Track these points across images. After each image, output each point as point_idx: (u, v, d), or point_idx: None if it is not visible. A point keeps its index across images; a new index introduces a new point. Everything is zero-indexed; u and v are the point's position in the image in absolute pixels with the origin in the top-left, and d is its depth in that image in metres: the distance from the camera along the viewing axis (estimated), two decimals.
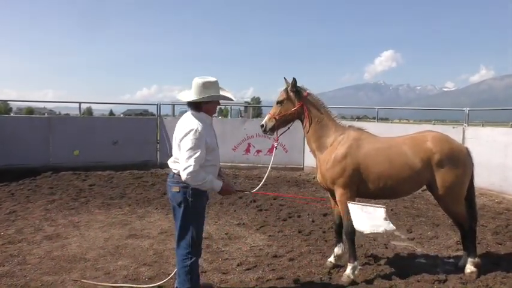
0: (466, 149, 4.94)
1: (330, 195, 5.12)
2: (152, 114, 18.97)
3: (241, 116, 22.64)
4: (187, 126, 3.64)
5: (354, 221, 4.47)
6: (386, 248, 5.66)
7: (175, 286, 3.94)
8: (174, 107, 17.56)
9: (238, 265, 4.94)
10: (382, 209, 4.30)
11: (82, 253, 5.20)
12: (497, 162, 8.80)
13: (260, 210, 7.63)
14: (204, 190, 3.75)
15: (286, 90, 4.89)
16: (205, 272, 4.70)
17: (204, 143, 3.63)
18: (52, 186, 9.30)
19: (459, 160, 4.66)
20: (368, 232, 4.41)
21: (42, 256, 5.13)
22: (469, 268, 4.68)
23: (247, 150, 12.42)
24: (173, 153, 3.82)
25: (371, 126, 11.82)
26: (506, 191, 8.57)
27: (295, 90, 4.85)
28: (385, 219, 4.27)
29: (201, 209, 3.87)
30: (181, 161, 3.56)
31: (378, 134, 5.18)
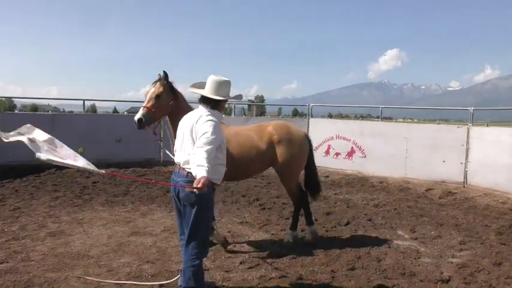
0: (304, 134, 5.88)
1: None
2: None
3: (244, 115, 22.65)
4: (206, 119, 3.63)
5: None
6: (390, 247, 5.65)
7: (178, 284, 3.93)
8: None
9: (240, 263, 4.94)
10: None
11: (85, 250, 5.21)
12: (502, 162, 8.76)
13: (263, 208, 7.63)
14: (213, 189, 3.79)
15: (162, 83, 4.97)
16: (208, 270, 4.70)
17: (220, 140, 3.66)
18: (56, 183, 9.33)
19: (295, 142, 5.56)
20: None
21: (46, 253, 5.15)
22: (310, 234, 5.79)
23: None
24: (185, 150, 3.74)
25: (375, 125, 11.83)
26: (510, 191, 8.52)
27: (170, 86, 5.01)
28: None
29: (211, 209, 3.90)
30: (198, 154, 3.42)
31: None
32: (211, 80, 3.84)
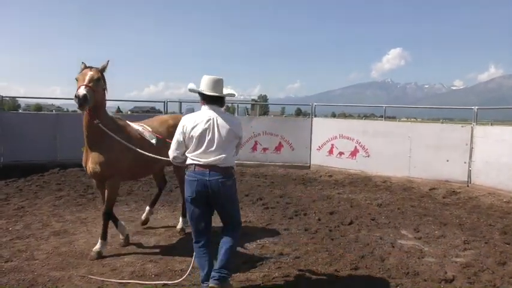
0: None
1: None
2: (159, 112, 18.99)
3: (247, 114, 22.65)
4: (234, 120, 4.05)
5: None
6: (393, 247, 5.63)
7: (216, 276, 3.81)
8: (180, 104, 17.59)
9: (244, 263, 4.93)
10: None
11: (89, 249, 5.22)
12: (505, 161, 8.72)
13: (266, 208, 7.62)
14: None
15: (101, 69, 4.88)
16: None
17: None
18: (60, 183, 9.36)
19: None
20: None
21: (50, 252, 5.17)
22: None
23: (254, 148, 12.41)
24: (214, 151, 3.85)
25: (378, 125, 11.80)
26: None
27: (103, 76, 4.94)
28: None
29: None
30: (228, 151, 3.91)
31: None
32: (215, 80, 3.97)
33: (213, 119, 3.89)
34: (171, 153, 4.09)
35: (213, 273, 3.83)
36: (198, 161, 3.86)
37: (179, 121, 5.24)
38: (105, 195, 5.18)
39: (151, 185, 9.45)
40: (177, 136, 3.99)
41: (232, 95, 4.06)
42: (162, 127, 5.88)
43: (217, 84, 3.97)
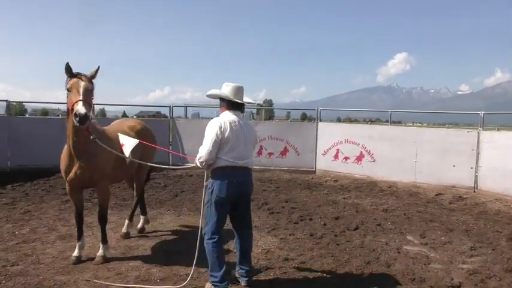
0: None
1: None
2: (165, 116, 19.08)
3: (253, 119, 22.66)
4: (252, 125, 4.47)
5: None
6: (399, 252, 5.60)
7: (246, 273, 4.42)
8: (186, 109, 17.68)
9: None
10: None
11: (94, 253, 5.22)
12: None
13: (272, 213, 7.61)
14: None
15: (91, 78, 4.63)
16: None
17: None
18: (65, 187, 9.38)
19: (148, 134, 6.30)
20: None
21: (56, 256, 5.19)
22: (141, 224, 6.36)
23: (259, 153, 12.40)
24: (246, 153, 4.21)
25: (384, 130, 11.76)
26: None
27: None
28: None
29: None
30: (252, 153, 4.40)
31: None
32: (238, 88, 4.24)
33: (242, 123, 4.20)
34: (207, 154, 4.04)
35: (240, 271, 4.39)
36: (234, 162, 4.08)
37: (144, 126, 6.32)
38: (77, 203, 5.25)
39: (156, 189, 9.48)
40: (214, 137, 4.04)
41: (252, 104, 4.67)
42: (132, 132, 5.83)
43: (240, 91, 4.25)
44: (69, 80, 4.55)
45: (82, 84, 4.46)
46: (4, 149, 10.99)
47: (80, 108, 4.26)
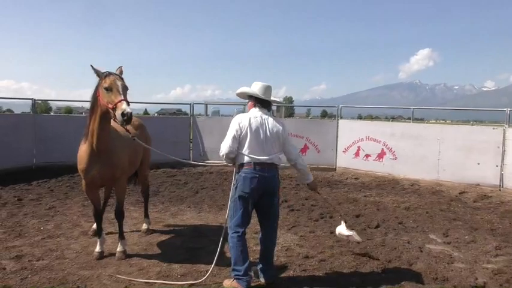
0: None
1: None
2: (185, 114, 19.23)
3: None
4: (280, 121, 4.45)
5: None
6: (421, 251, 5.51)
7: (266, 269, 4.37)
8: (206, 106, 17.77)
9: None
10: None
11: (117, 249, 5.32)
12: None
13: (292, 210, 7.59)
14: None
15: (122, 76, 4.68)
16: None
17: None
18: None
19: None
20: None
21: (79, 251, 5.30)
22: (144, 225, 6.22)
23: None
24: (270, 150, 4.21)
25: (406, 127, 11.59)
26: None
27: None
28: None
29: None
30: (294, 150, 4.54)
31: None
32: (267, 87, 4.40)
33: (265, 119, 4.28)
34: (227, 148, 4.16)
35: (262, 267, 4.35)
36: (257, 158, 4.13)
37: (141, 122, 6.32)
38: (95, 200, 5.31)
39: (177, 186, 9.56)
40: (233, 132, 4.17)
41: (279, 102, 4.86)
42: (131, 127, 5.54)
43: (268, 90, 4.41)
44: (105, 78, 4.52)
45: (121, 84, 4.50)
46: (30, 146, 11.25)
47: (127, 108, 4.30)
